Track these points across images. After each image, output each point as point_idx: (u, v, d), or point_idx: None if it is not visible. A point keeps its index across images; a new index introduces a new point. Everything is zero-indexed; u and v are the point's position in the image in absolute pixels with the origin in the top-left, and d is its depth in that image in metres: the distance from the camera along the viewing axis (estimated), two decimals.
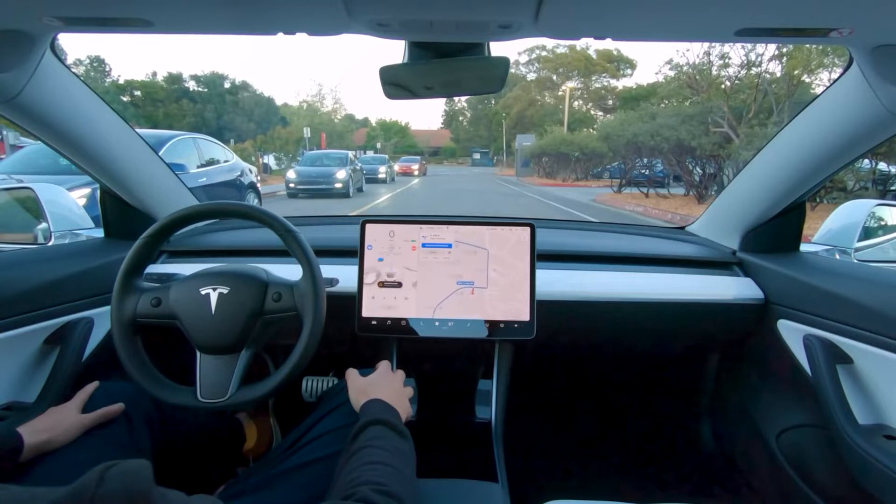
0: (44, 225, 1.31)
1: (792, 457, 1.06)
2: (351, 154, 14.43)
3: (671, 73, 13.08)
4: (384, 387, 0.81)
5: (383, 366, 0.88)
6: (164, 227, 0.86)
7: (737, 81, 11.09)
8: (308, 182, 11.96)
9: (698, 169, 10.84)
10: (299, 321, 0.84)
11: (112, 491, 0.38)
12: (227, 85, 37.18)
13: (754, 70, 10.61)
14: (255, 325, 0.84)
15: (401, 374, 0.88)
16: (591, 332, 1.22)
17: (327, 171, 12.11)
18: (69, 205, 1.41)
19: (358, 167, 14.27)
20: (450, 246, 1.04)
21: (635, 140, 11.58)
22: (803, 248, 1.19)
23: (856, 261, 1.28)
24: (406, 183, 19.26)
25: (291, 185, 12.02)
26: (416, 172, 24.82)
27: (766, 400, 1.17)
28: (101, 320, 1.03)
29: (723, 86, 11.06)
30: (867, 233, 1.37)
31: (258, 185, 7.44)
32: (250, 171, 7.04)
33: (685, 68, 12.05)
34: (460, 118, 54.82)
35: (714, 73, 11.50)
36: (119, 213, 1.18)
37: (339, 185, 11.90)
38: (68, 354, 0.95)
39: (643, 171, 13.29)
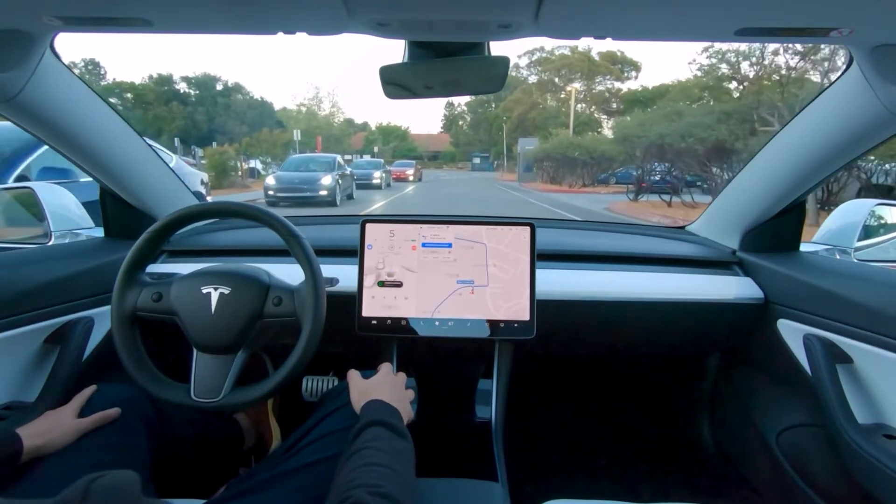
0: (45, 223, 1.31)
1: (792, 457, 1.06)
2: (339, 158, 13.27)
3: (710, 63, 11.35)
4: (385, 388, 0.80)
5: (385, 368, 0.88)
6: (170, 224, 0.87)
7: (792, 72, 9.28)
8: (289, 189, 10.92)
9: (728, 174, 9.25)
10: (298, 326, 0.84)
11: None
12: (219, 87, 36.73)
13: (812, 58, 8.81)
14: (253, 328, 0.84)
15: (402, 376, 0.88)
16: (591, 331, 1.22)
17: (311, 177, 11.09)
18: (69, 204, 1.42)
19: (347, 172, 13.23)
20: (450, 245, 1.04)
21: (661, 141, 10.21)
22: (803, 247, 1.19)
23: (856, 260, 1.28)
24: (402, 189, 18.58)
25: (270, 192, 10.96)
26: (410, 178, 24.50)
27: (766, 400, 1.17)
28: (102, 320, 1.03)
29: (774, 77, 9.38)
30: (867, 232, 1.38)
31: (208, 195, 6.03)
32: (203, 182, 5.82)
33: (729, 55, 10.37)
34: (460, 122, 54.53)
35: (766, 61, 9.90)
36: (119, 213, 1.18)
37: (323, 193, 10.82)
38: (68, 354, 0.95)
39: (659, 175, 11.82)
